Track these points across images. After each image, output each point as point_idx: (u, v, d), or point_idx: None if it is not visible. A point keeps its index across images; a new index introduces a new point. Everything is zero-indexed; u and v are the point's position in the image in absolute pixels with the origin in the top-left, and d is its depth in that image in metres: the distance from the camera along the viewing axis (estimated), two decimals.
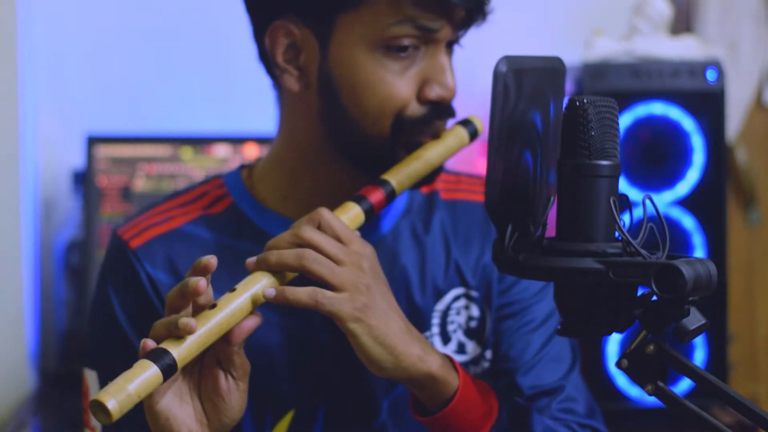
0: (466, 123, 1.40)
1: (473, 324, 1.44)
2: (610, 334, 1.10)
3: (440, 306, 1.43)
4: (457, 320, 1.44)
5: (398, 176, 1.32)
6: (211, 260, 1.16)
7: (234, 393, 1.20)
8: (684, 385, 2.35)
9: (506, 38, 2.92)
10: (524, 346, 1.44)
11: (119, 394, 1.07)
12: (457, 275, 1.45)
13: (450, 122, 1.39)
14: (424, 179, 1.36)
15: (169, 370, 1.11)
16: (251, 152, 2.60)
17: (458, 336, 1.44)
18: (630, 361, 1.08)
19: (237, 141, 2.60)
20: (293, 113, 1.39)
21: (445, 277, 1.44)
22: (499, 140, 1.08)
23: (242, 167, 1.47)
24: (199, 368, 1.20)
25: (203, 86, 2.76)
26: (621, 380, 2.44)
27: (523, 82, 1.08)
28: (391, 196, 1.31)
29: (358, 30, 1.31)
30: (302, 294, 1.19)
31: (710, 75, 2.48)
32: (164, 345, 1.12)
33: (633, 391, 2.44)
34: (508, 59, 1.07)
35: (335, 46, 1.32)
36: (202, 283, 1.14)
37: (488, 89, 1.08)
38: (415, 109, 1.33)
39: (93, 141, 2.56)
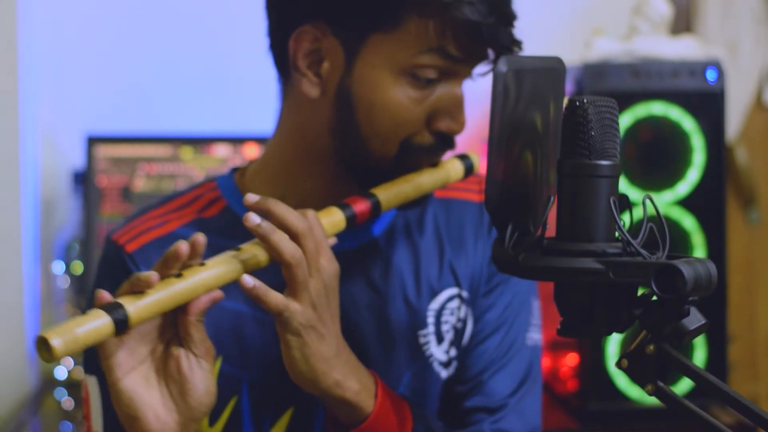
0: (464, 157, 1.43)
1: (459, 325, 1.45)
2: (610, 334, 1.10)
3: (435, 305, 1.44)
4: (450, 321, 1.45)
5: (387, 193, 1.34)
6: (182, 247, 1.16)
7: (197, 372, 1.20)
8: (684, 385, 2.36)
9: None
10: (477, 357, 1.45)
11: (66, 335, 1.06)
12: (451, 275, 1.45)
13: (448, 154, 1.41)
14: (410, 203, 1.38)
15: (121, 324, 1.11)
16: (251, 152, 2.60)
17: (450, 336, 1.45)
18: (630, 361, 1.08)
19: (237, 141, 2.60)
20: (302, 115, 1.39)
21: (439, 277, 1.45)
22: (499, 140, 1.08)
23: (235, 170, 1.47)
24: (166, 353, 1.21)
25: (203, 86, 2.76)
26: (621, 380, 2.44)
27: (523, 82, 1.08)
28: (376, 210, 1.33)
29: (387, 52, 1.32)
30: (273, 299, 1.21)
31: (710, 75, 2.48)
32: (121, 300, 1.13)
33: (633, 391, 2.44)
34: (508, 59, 1.07)
35: (361, 63, 1.33)
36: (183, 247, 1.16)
37: (488, 89, 1.08)
38: (424, 137, 1.35)
39: (93, 141, 2.56)
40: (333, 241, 1.29)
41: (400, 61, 1.31)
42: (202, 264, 1.19)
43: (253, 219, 1.21)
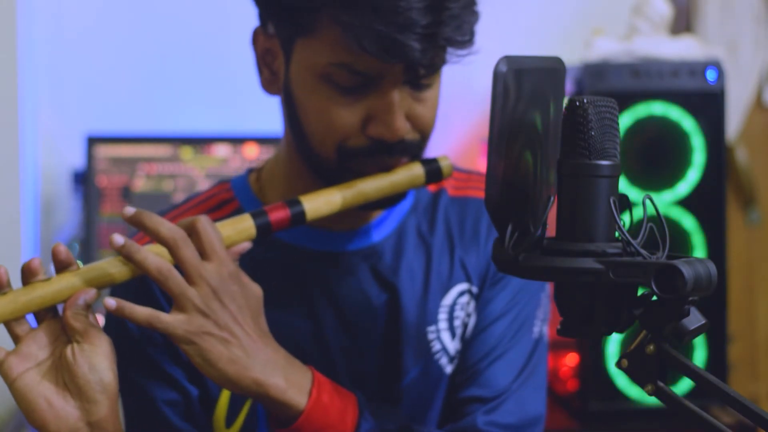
0: (429, 162, 1.39)
1: (467, 320, 1.46)
2: (610, 334, 1.10)
3: (447, 301, 1.45)
4: (461, 316, 1.45)
5: (316, 201, 1.32)
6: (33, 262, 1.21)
7: (78, 355, 1.21)
8: (684, 385, 2.36)
9: (506, 38, 2.92)
10: (478, 346, 1.45)
11: None
12: (461, 271, 1.46)
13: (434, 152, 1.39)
14: (366, 206, 1.36)
15: None
16: (251, 152, 2.60)
17: (459, 331, 1.45)
18: (630, 361, 1.08)
19: (237, 141, 2.61)
20: (284, 116, 1.41)
21: (449, 273, 1.45)
22: (499, 140, 1.08)
23: (250, 171, 1.48)
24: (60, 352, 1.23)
25: (203, 86, 2.76)
26: (621, 380, 2.44)
27: (523, 82, 1.08)
28: (299, 218, 1.32)
29: (308, 57, 1.32)
30: (139, 315, 1.22)
31: (710, 75, 2.48)
32: None
33: (633, 391, 2.44)
34: (508, 59, 1.07)
35: (293, 65, 1.35)
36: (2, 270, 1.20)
37: (488, 89, 1.08)
38: (358, 140, 1.33)
39: (93, 141, 2.56)
40: (246, 245, 1.29)
41: (316, 67, 1.31)
42: (77, 269, 1.23)
43: (117, 240, 1.22)
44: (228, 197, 1.44)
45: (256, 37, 1.38)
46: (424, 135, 1.36)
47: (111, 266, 1.23)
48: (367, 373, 1.42)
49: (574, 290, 1.09)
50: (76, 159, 2.68)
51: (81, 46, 2.74)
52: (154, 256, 1.22)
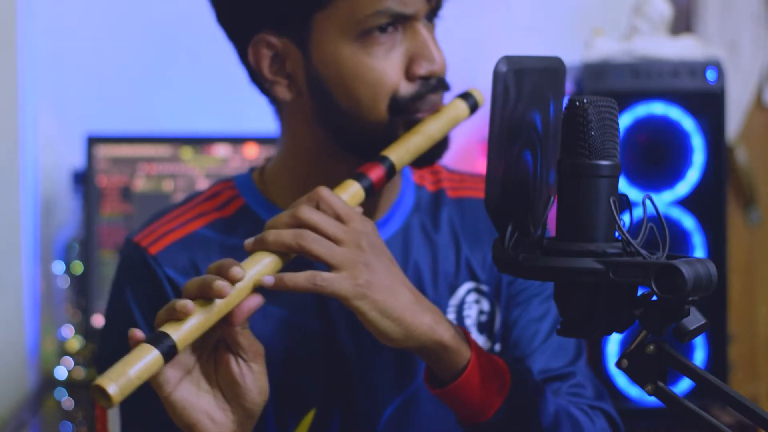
0: (465, 96, 1.41)
1: (483, 318, 1.45)
2: (610, 334, 1.10)
3: (454, 301, 1.45)
4: (471, 315, 1.45)
5: (397, 151, 1.34)
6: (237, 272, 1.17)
7: (248, 375, 1.20)
8: (684, 385, 2.36)
9: (506, 38, 2.92)
10: (532, 335, 1.45)
11: (120, 379, 1.08)
12: (467, 270, 1.46)
13: (450, 96, 1.40)
14: (428, 154, 1.37)
15: (169, 352, 1.12)
16: (251, 152, 2.60)
17: (474, 330, 1.45)
18: (630, 361, 1.08)
19: (237, 141, 2.60)
20: (292, 122, 1.40)
21: (456, 272, 1.45)
22: (499, 140, 1.08)
23: (252, 170, 1.47)
24: (213, 356, 1.21)
25: (203, 86, 2.76)
26: (621, 380, 2.44)
27: (523, 82, 1.08)
28: (391, 171, 1.33)
29: (335, 25, 1.32)
30: (300, 279, 1.21)
31: (710, 75, 2.48)
32: (164, 328, 1.14)
33: (633, 391, 2.44)
34: (508, 59, 1.07)
35: (316, 46, 1.34)
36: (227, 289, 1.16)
37: (488, 89, 1.08)
38: (406, 88, 1.34)
39: (93, 141, 2.56)
40: (358, 210, 1.29)
41: (350, 28, 1.32)
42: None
43: (246, 242, 1.23)
44: (233, 195, 1.44)
45: (256, 50, 1.37)
46: (445, 72, 1.38)
47: (259, 264, 1.21)
48: (379, 373, 1.41)
49: (574, 290, 1.09)
50: (76, 159, 2.68)
51: (81, 46, 2.74)
52: (285, 231, 1.21)
